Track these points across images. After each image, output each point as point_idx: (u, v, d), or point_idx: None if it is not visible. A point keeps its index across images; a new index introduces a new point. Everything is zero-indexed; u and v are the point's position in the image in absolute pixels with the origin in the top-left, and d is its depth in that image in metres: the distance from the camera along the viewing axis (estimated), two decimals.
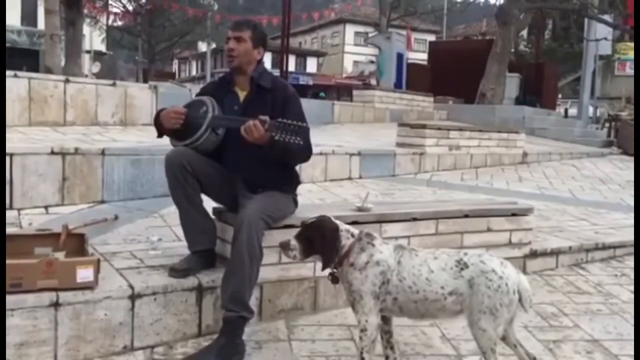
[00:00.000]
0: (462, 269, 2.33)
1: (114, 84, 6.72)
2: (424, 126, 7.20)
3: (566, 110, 22.01)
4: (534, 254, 4.07)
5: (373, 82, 25.45)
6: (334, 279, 2.49)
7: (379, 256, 2.38)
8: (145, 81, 20.71)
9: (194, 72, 55.07)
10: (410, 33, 24.00)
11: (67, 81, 6.02)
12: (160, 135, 3.07)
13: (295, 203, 3.16)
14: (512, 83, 15.86)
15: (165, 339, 2.77)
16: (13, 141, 4.41)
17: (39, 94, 5.74)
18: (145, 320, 2.71)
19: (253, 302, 2.98)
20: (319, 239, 2.43)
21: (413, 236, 3.55)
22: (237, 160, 2.96)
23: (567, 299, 3.63)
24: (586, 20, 16.35)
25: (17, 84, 5.63)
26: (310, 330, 3.02)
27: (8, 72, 5.74)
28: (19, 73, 5.86)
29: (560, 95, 25.43)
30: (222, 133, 2.96)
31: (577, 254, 4.32)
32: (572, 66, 24.75)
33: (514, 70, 16.14)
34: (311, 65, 49.78)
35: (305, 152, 2.92)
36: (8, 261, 2.56)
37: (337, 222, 2.50)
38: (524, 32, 26.04)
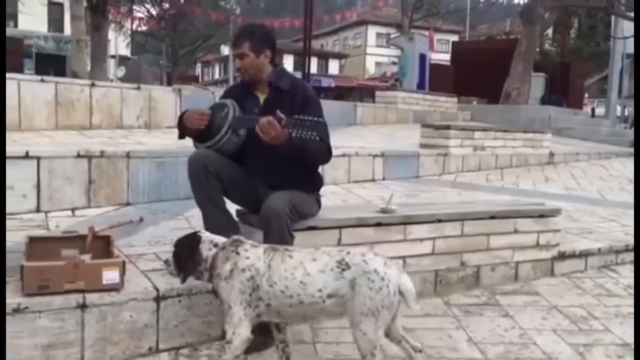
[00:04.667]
0: (343, 269, 2.23)
1: (138, 88, 6.79)
2: (448, 127, 7.13)
3: (593, 110, 21.67)
4: (562, 256, 4.00)
5: (396, 83, 25.34)
6: (215, 293, 2.43)
7: (244, 262, 2.28)
8: (169, 85, 20.93)
9: (217, 76, 55.45)
10: (432, 34, 23.82)
11: (92, 85, 6.11)
12: (181, 137, 3.08)
13: (319, 204, 3.15)
14: (538, 82, 15.65)
15: (190, 341, 2.77)
16: (40, 145, 4.48)
17: (66, 98, 5.83)
18: (170, 322, 2.72)
19: None
20: (182, 254, 2.39)
21: (438, 238, 3.52)
22: (258, 162, 2.96)
23: (596, 302, 3.55)
24: (613, 17, 16.07)
25: (44, 88, 5.72)
26: (335, 333, 3.00)
27: (35, 77, 5.86)
28: (45, 78, 5.96)
29: (586, 95, 25.01)
30: (244, 134, 2.96)
31: (606, 256, 4.23)
32: (599, 65, 24.33)
33: (539, 69, 15.93)
34: (333, 67, 49.73)
35: (325, 152, 2.92)
36: (36, 263, 2.59)
37: (204, 235, 2.43)
38: (549, 31, 25.66)
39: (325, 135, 2.83)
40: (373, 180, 6.05)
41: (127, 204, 4.35)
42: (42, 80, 5.82)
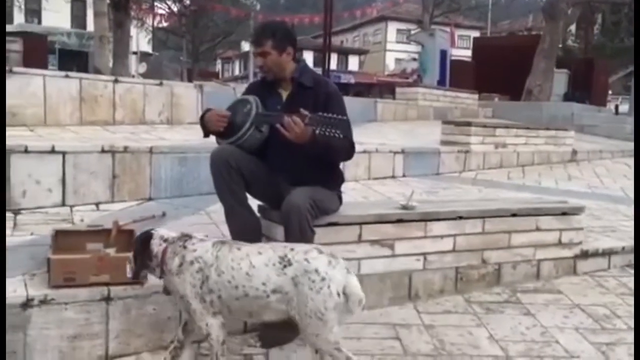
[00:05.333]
0: (285, 266, 2.18)
1: (160, 84, 6.85)
2: (469, 124, 7.08)
3: (617, 107, 21.31)
4: (585, 255, 3.96)
5: (412, 79, 25.20)
6: (165, 290, 2.42)
7: (191, 255, 2.28)
8: (189, 81, 21.07)
9: (237, 72, 55.67)
10: (454, 30, 23.64)
11: (116, 81, 6.18)
12: (206, 135, 3.11)
13: (340, 200, 3.16)
14: (560, 79, 15.46)
15: None
16: (65, 140, 4.55)
17: (90, 94, 5.91)
18: None
19: None
20: (135, 251, 2.40)
21: (459, 235, 3.50)
22: (280, 158, 2.97)
23: (620, 301, 3.51)
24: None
25: (68, 84, 5.81)
26: (355, 328, 3.01)
27: (60, 73, 5.94)
28: (70, 74, 6.05)
29: (610, 92, 24.63)
30: (266, 131, 2.97)
31: (630, 255, 4.17)
32: (623, 61, 23.93)
33: (562, 66, 15.74)
34: (353, 63, 49.61)
35: (348, 149, 2.92)
36: (62, 256, 2.64)
37: (156, 231, 2.42)
38: (572, 27, 25.33)
39: (349, 133, 2.83)
40: (393, 177, 6.03)
41: (150, 199, 4.41)
42: (67, 76, 5.91)
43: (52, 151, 3.95)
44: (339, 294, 2.12)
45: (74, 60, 25.02)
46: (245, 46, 41.25)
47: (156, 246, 2.36)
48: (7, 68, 5.34)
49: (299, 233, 2.72)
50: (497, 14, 39.99)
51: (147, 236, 2.40)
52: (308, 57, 50.55)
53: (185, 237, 2.35)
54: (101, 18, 11.42)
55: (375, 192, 5.26)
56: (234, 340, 2.79)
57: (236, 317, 2.37)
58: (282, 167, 2.98)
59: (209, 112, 3.05)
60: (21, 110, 5.38)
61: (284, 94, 3.05)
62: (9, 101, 5.14)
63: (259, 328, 2.86)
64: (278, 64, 2.95)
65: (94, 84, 6.01)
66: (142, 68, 29.06)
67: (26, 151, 3.85)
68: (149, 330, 2.67)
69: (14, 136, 4.67)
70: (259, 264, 2.21)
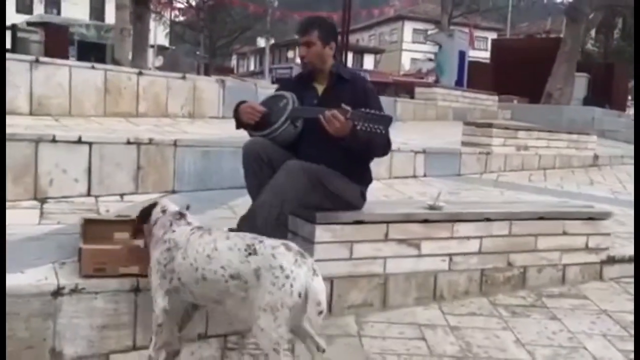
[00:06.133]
0: (250, 254, 2.15)
1: (183, 77, 6.87)
2: (490, 125, 7.04)
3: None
4: (611, 260, 3.91)
5: (431, 79, 25.07)
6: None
7: (169, 234, 2.33)
8: (206, 75, 21.11)
9: (252, 68, 55.76)
10: (473, 31, 23.49)
11: (140, 74, 6.21)
12: (238, 127, 3.11)
13: (364, 198, 3.13)
14: (580, 83, 15.32)
15: (238, 328, 2.78)
16: (91, 131, 4.57)
17: (114, 85, 5.94)
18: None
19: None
20: (139, 214, 2.53)
21: (485, 237, 3.48)
22: (311, 153, 2.95)
23: None
24: None
25: (94, 75, 5.84)
26: (380, 327, 3.00)
27: (86, 64, 5.97)
28: (96, 65, 6.09)
29: (630, 97, 24.38)
30: (300, 126, 2.97)
31: None
32: None
33: (582, 69, 15.59)
34: (368, 62, 49.51)
35: (384, 146, 2.92)
36: (93, 246, 2.65)
37: (163, 200, 2.55)
38: (592, 31, 25.07)
39: (388, 130, 2.81)
40: (414, 176, 6.01)
41: (173, 191, 4.42)
42: (93, 67, 5.94)
43: (79, 141, 3.97)
44: (299, 295, 2.07)
45: (93, 52, 25.15)
46: (261, 42, 41.30)
47: (155, 214, 2.45)
48: (32, 58, 5.37)
49: (278, 190, 2.70)
50: (516, 16, 39.61)
51: (154, 203, 2.53)
52: None
53: (178, 215, 2.40)
54: (123, 11, 11.45)
55: (397, 191, 5.24)
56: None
57: (202, 302, 2.38)
58: (313, 161, 2.96)
59: (243, 103, 3.04)
60: (46, 100, 5.42)
61: (320, 89, 3.05)
62: (36, 90, 5.19)
63: None
64: (320, 56, 2.96)
65: (118, 75, 6.04)
66: (159, 61, 29.19)
67: (54, 140, 3.87)
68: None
69: (40, 126, 4.71)
70: (223, 248, 2.21)
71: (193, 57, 37.85)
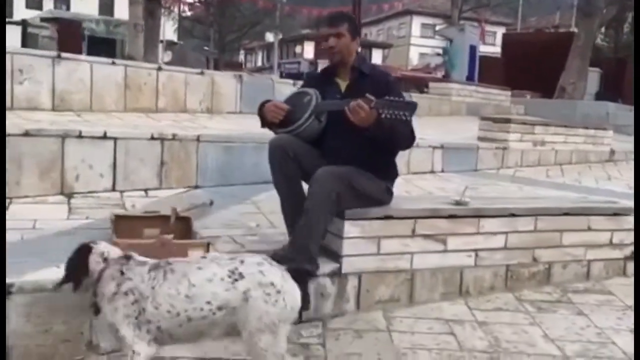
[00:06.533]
0: (236, 280, 2.00)
1: (202, 73, 6.90)
2: (508, 120, 7.02)
3: None
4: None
5: (439, 74, 24.99)
6: (96, 309, 2.14)
7: (127, 285, 2.04)
8: (216, 70, 21.12)
9: (259, 63, 55.75)
10: (484, 25, 23.38)
11: (159, 69, 6.24)
12: (263, 125, 3.13)
13: (390, 193, 3.14)
14: (592, 78, 15.25)
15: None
16: (114, 126, 4.60)
17: (134, 81, 5.97)
18: None
19: (350, 291, 3.02)
20: (71, 263, 2.17)
21: (511, 232, 3.48)
22: (336, 147, 2.97)
23: None
24: None
25: (114, 71, 5.87)
26: (409, 322, 3.01)
27: (106, 60, 5.99)
28: (116, 61, 6.12)
29: None
30: (324, 121, 2.99)
31: None
32: None
33: (592, 65, 15.49)
34: (376, 57, 49.33)
35: (409, 136, 2.93)
36: (126, 240, 2.67)
37: (96, 246, 2.18)
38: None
39: (411, 120, 2.82)
40: (432, 172, 6.01)
41: (196, 186, 4.45)
42: (113, 63, 5.98)
43: (105, 137, 4.01)
44: (292, 308, 2.06)
45: (103, 47, 25.26)
46: (270, 37, 41.26)
47: (94, 263, 2.13)
48: (54, 54, 5.41)
49: (319, 200, 2.75)
50: (524, 10, 39.38)
51: (87, 249, 2.17)
52: None
53: (124, 259, 2.12)
54: (136, 6, 11.49)
55: (416, 187, 5.24)
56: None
57: (181, 342, 2.15)
58: (338, 155, 2.97)
59: (267, 102, 3.07)
60: (68, 96, 5.46)
61: (343, 84, 3.07)
62: (58, 86, 5.22)
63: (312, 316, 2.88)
64: (348, 48, 2.98)
65: (138, 71, 6.07)
66: (167, 57, 29.26)
67: (80, 136, 3.91)
68: None
69: (63, 121, 4.74)
70: (200, 282, 2.01)
71: (200, 52, 37.90)
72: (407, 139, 2.97)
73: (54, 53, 5.45)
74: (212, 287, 2.00)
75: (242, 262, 2.06)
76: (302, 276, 2.70)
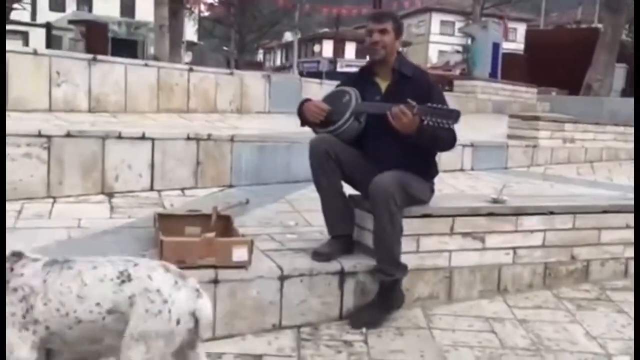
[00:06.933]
0: (123, 281, 1.83)
1: (231, 74, 6.98)
2: (537, 118, 6.99)
3: None
4: None
5: (458, 72, 24.80)
6: None
7: (16, 281, 1.86)
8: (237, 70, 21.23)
9: (278, 62, 55.92)
10: (507, 22, 23.15)
11: (190, 70, 6.32)
12: (303, 124, 3.16)
13: (432, 191, 3.17)
14: (618, 74, 15.01)
15: (310, 320, 2.86)
16: (149, 127, 4.67)
17: (167, 82, 6.06)
18: (292, 300, 2.81)
19: None
20: None
21: (549, 230, 3.48)
22: (378, 147, 2.99)
23: None
24: None
25: (147, 72, 5.97)
26: (448, 320, 3.03)
27: (139, 62, 6.09)
28: (149, 62, 6.22)
29: None
30: (364, 121, 3.01)
31: None
32: None
33: (618, 60, 15.26)
34: None
35: (451, 140, 2.94)
36: (174, 238, 2.74)
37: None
38: None
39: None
40: (462, 170, 6.00)
41: (230, 185, 4.51)
42: (146, 65, 6.08)
43: (143, 137, 4.08)
44: (178, 322, 1.81)
45: (124, 48, 25.57)
46: (289, 36, 41.39)
47: None
48: (90, 56, 5.52)
49: (386, 211, 2.78)
50: (545, 6, 38.91)
51: None
52: (350, 47, 50.39)
53: (13, 257, 1.93)
54: (161, 7, 11.64)
55: (448, 185, 5.23)
56: (332, 327, 2.86)
57: (74, 348, 1.92)
58: (379, 155, 3.00)
59: (307, 102, 3.10)
60: (104, 97, 5.56)
61: (382, 85, 3.07)
62: (94, 88, 5.33)
63: (352, 313, 2.92)
64: (392, 46, 2.99)
65: (170, 72, 6.16)
66: (188, 57, 29.49)
67: (120, 137, 3.98)
68: (252, 313, 2.74)
69: (100, 122, 4.84)
70: (93, 281, 1.85)
71: (219, 52, 38.12)
72: (449, 144, 2.99)
73: (89, 56, 5.56)
74: (102, 287, 1.84)
75: (135, 264, 1.89)
76: (395, 284, 2.91)
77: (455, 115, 2.68)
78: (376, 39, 2.97)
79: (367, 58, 3.27)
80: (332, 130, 3.01)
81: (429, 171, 3.13)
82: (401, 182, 2.85)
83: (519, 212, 3.40)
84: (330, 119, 3.02)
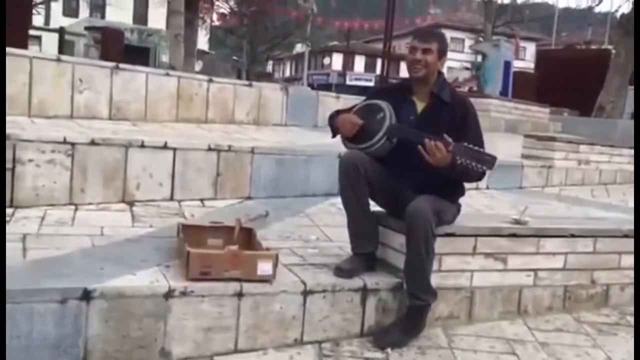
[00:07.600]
0: None
1: (250, 85, 7.01)
2: (553, 139, 6.97)
3: None
4: None
5: (466, 89, 24.86)
6: None
7: None
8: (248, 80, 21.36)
9: (287, 73, 56.17)
10: (518, 41, 23.24)
11: (210, 81, 6.36)
12: (334, 136, 3.17)
13: (459, 212, 3.18)
14: (631, 96, 14.98)
15: (331, 336, 2.85)
16: (169, 136, 4.69)
17: (187, 92, 6.10)
18: (314, 316, 2.81)
19: None
20: None
21: (570, 253, 3.47)
22: (407, 168, 2.98)
23: None
24: None
25: (168, 81, 6.01)
26: (469, 340, 3.02)
27: (160, 71, 6.14)
28: (170, 72, 6.26)
29: None
30: (396, 141, 3.01)
31: None
32: None
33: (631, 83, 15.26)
34: (404, 70, 49.37)
35: (480, 176, 2.92)
36: (200, 250, 2.74)
37: None
38: None
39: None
40: (477, 188, 5.98)
41: (249, 197, 4.51)
42: (167, 74, 6.12)
43: (165, 147, 4.10)
44: None
45: (136, 55, 25.77)
46: (299, 48, 41.62)
47: None
48: (113, 64, 5.56)
49: (424, 236, 2.79)
50: (557, 26, 39.05)
51: None
52: (359, 61, 50.57)
53: None
54: (177, 16, 11.74)
55: (463, 203, 5.16)
56: (353, 343, 2.85)
57: None
58: (408, 175, 2.99)
59: (340, 114, 3.11)
60: (125, 105, 5.59)
61: (419, 106, 3.06)
62: (115, 96, 5.38)
63: (375, 331, 2.92)
64: (433, 66, 2.97)
65: (190, 82, 6.19)
66: (198, 66, 29.64)
67: (142, 146, 4.00)
68: (275, 328, 2.74)
69: (122, 130, 4.86)
70: None
71: (228, 62, 38.35)
72: (476, 179, 2.99)
73: (112, 64, 5.60)
74: None
75: None
76: (425, 310, 2.93)
77: (490, 162, 2.66)
78: (418, 57, 2.95)
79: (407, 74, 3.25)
80: (364, 147, 3.01)
81: (457, 194, 3.14)
82: (436, 209, 2.86)
83: (541, 234, 3.39)
84: (362, 134, 3.03)
